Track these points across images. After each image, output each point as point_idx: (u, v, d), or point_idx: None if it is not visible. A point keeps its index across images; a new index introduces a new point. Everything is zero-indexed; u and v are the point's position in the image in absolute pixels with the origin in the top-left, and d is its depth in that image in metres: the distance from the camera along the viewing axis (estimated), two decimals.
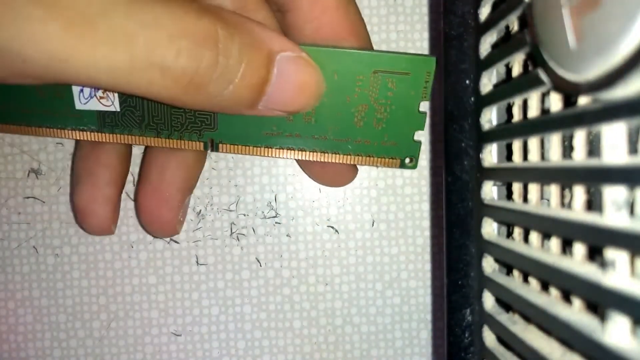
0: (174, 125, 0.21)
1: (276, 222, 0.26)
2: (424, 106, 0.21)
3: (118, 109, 0.20)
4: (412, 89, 0.20)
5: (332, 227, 0.27)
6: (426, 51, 0.26)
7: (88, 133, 0.21)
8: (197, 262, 0.26)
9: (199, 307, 0.27)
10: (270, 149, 0.21)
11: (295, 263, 0.27)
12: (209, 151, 0.22)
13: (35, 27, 0.15)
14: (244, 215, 0.26)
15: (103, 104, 0.20)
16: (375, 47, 0.26)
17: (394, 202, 0.26)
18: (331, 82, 0.20)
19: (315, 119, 0.21)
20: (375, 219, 0.26)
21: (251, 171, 0.26)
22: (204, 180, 0.26)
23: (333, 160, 0.22)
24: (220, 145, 0.21)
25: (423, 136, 0.21)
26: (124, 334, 0.27)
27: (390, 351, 0.27)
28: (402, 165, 0.22)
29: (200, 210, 0.26)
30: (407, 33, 0.26)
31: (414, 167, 0.22)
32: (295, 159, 0.22)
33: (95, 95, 0.20)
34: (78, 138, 0.21)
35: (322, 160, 0.22)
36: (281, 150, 0.21)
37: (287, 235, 0.26)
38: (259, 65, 0.18)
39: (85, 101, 0.20)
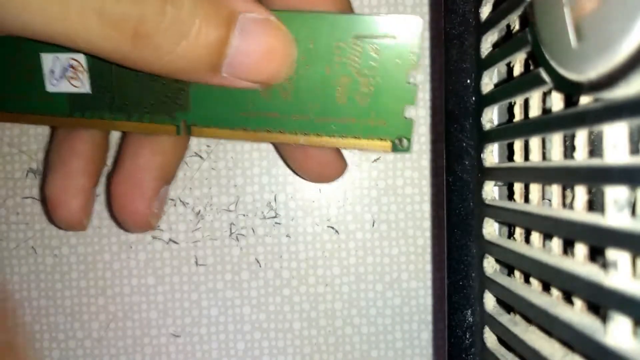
0: (144, 107, 0.20)
1: (276, 223, 0.26)
2: (413, 77, 0.19)
3: (89, 90, 0.20)
4: (399, 56, 0.18)
5: (332, 228, 0.26)
6: (427, 51, 0.26)
7: (58, 118, 0.20)
8: (196, 262, 0.26)
9: (198, 307, 0.27)
10: (247, 132, 0.20)
11: (295, 264, 0.27)
12: (188, 137, 0.20)
13: None
14: (244, 215, 0.26)
15: (74, 85, 0.20)
16: None
17: (394, 202, 0.26)
18: (307, 52, 0.18)
19: (293, 94, 0.19)
20: (376, 220, 0.26)
21: (250, 171, 0.26)
22: (203, 181, 0.26)
23: (316, 144, 0.19)
24: (193, 128, 0.20)
25: (415, 113, 0.19)
26: (123, 334, 0.27)
27: (391, 352, 0.27)
28: (395, 148, 0.19)
29: (199, 211, 0.26)
30: None
31: (408, 149, 0.19)
32: (274, 143, 0.20)
33: (65, 75, 0.19)
34: (48, 123, 0.20)
35: (304, 143, 0.20)
36: (259, 133, 0.19)
37: (286, 236, 0.26)
38: (217, 23, 0.16)
39: (56, 82, 0.20)
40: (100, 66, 0.19)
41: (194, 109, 0.20)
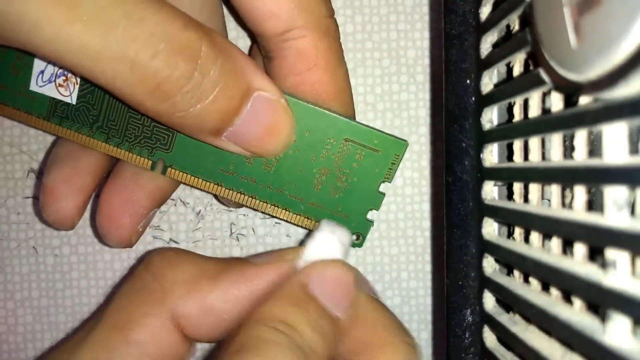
0: (127, 135, 0.20)
1: (276, 222, 0.26)
2: (385, 187, 0.21)
3: (74, 102, 0.20)
4: (378, 167, 0.20)
5: None
6: (427, 51, 0.26)
7: (34, 118, 0.20)
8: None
9: None
10: (220, 187, 0.21)
11: None
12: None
13: None
14: (244, 215, 0.26)
15: (60, 93, 0.20)
16: (375, 47, 0.26)
17: (394, 202, 0.26)
18: (301, 138, 0.20)
19: (275, 169, 0.20)
20: (376, 219, 0.26)
21: None
22: None
23: (281, 217, 0.21)
24: (169, 169, 0.20)
25: (376, 217, 0.21)
26: None
27: None
28: None
29: (199, 211, 0.26)
30: (408, 32, 0.26)
31: (360, 245, 0.22)
32: (243, 203, 0.21)
33: (55, 80, 0.19)
34: (22, 120, 0.20)
35: (270, 213, 0.21)
36: (231, 192, 0.21)
37: (287, 236, 0.26)
38: (234, 95, 0.17)
39: (42, 84, 0.19)
40: (94, 84, 0.19)
41: (175, 152, 0.20)
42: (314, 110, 0.20)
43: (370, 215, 0.21)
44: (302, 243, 0.22)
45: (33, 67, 0.19)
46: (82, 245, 0.26)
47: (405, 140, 0.20)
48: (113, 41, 0.15)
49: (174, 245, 0.26)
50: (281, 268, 0.19)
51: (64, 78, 0.19)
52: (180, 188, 0.26)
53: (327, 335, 0.17)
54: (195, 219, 0.26)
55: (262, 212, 0.21)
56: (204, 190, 0.21)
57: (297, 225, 0.22)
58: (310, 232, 0.20)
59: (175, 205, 0.26)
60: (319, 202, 0.21)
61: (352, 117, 0.21)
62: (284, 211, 0.21)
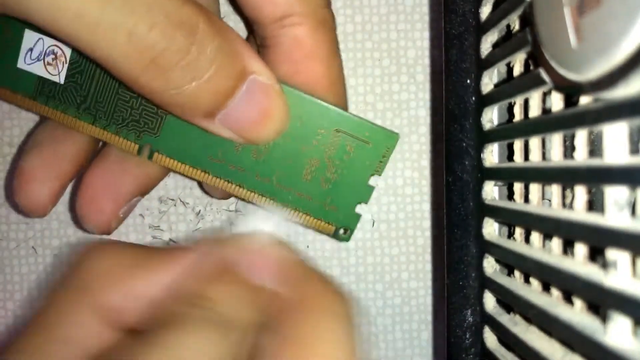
0: (114, 118, 0.19)
1: None
2: (374, 180, 0.20)
3: (61, 81, 0.19)
4: (368, 159, 0.20)
5: None
6: (427, 51, 0.26)
7: (19, 97, 0.19)
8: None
9: None
10: (207, 175, 0.20)
11: None
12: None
13: None
14: (244, 215, 0.26)
15: (48, 71, 0.19)
16: (375, 47, 0.26)
17: (394, 202, 0.26)
18: (293, 127, 0.19)
19: (264, 158, 0.20)
20: (376, 219, 0.26)
21: None
22: None
23: (268, 207, 0.21)
24: (155, 154, 0.20)
25: (365, 210, 0.21)
26: None
27: (391, 352, 0.27)
28: (335, 235, 0.21)
29: (199, 211, 0.26)
30: (408, 32, 0.26)
31: (347, 239, 0.21)
32: (230, 192, 0.21)
33: (44, 59, 0.19)
34: (7, 99, 0.19)
35: (257, 202, 0.21)
36: (217, 179, 0.20)
37: (287, 236, 0.26)
38: (229, 75, 0.17)
39: (30, 62, 0.19)
40: (84, 64, 0.19)
41: (163, 137, 0.20)
42: (306, 99, 0.19)
43: (359, 208, 0.21)
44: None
45: (22, 44, 0.19)
46: (82, 246, 0.26)
47: (396, 133, 0.20)
48: (111, 11, 0.15)
49: (173, 245, 0.26)
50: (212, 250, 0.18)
51: (53, 56, 0.19)
52: (180, 188, 0.26)
53: (250, 304, 0.16)
54: (195, 219, 0.26)
55: (249, 202, 0.21)
56: (190, 178, 0.21)
57: (286, 218, 0.21)
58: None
59: (175, 205, 0.26)
60: (308, 193, 0.20)
61: (345, 108, 0.21)
62: (270, 201, 0.21)
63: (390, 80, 0.26)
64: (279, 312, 0.17)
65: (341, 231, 0.21)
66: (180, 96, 0.17)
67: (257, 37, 0.21)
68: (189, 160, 0.20)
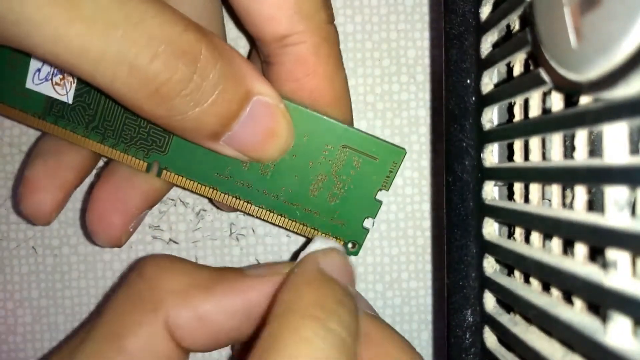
0: (123, 136, 0.20)
1: None
2: (382, 195, 0.21)
3: (69, 101, 0.19)
4: (375, 174, 0.20)
5: None
6: (427, 51, 0.26)
7: (29, 116, 0.20)
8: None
9: None
10: (215, 191, 0.21)
11: None
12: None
13: None
14: (244, 215, 0.26)
15: (56, 91, 0.19)
16: (375, 47, 0.26)
17: (394, 202, 0.26)
18: (299, 144, 0.20)
19: (271, 174, 0.20)
20: (376, 219, 0.26)
21: None
22: None
23: (277, 223, 0.21)
24: (164, 171, 0.20)
25: (373, 224, 0.21)
26: None
27: None
28: (344, 249, 0.21)
29: (199, 211, 0.26)
30: (408, 32, 0.26)
31: (356, 253, 0.22)
32: (238, 208, 0.21)
33: (51, 79, 0.19)
34: (17, 118, 0.20)
35: (266, 219, 0.21)
36: (226, 196, 0.21)
37: (287, 236, 0.26)
38: (233, 98, 0.17)
39: (38, 82, 0.19)
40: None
41: (171, 155, 0.20)
42: (312, 115, 0.19)
43: (367, 223, 0.21)
44: (297, 253, 0.22)
45: (29, 65, 0.19)
46: (82, 246, 0.26)
47: (403, 149, 0.20)
48: (113, 43, 0.15)
49: (174, 245, 0.26)
50: (276, 281, 0.19)
51: (61, 77, 0.19)
52: (180, 188, 0.26)
53: (356, 316, 0.16)
54: (195, 219, 0.26)
55: (258, 218, 0.21)
56: (199, 194, 0.21)
57: (293, 232, 0.21)
58: (306, 243, 0.20)
59: (175, 205, 0.26)
60: (315, 209, 0.21)
61: (350, 123, 0.21)
62: (279, 217, 0.21)
63: (390, 80, 0.26)
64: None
65: (349, 245, 0.22)
66: (184, 121, 0.17)
67: (260, 53, 0.21)
68: (197, 177, 0.20)
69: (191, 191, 0.21)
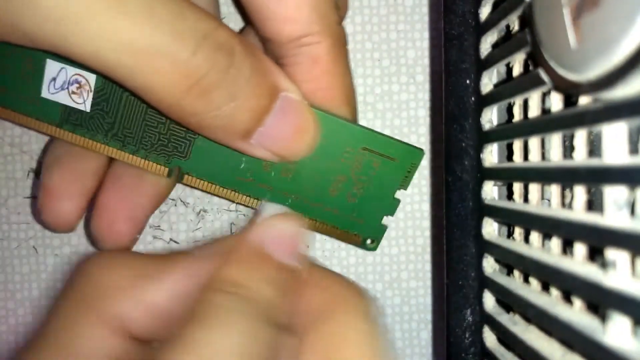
0: (143, 143, 0.20)
1: None
2: (400, 194, 0.21)
3: (87, 109, 0.19)
4: (394, 175, 0.21)
5: None
6: (427, 51, 0.26)
7: (46, 125, 0.20)
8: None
9: None
10: (236, 194, 0.21)
11: None
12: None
13: None
14: (244, 215, 0.26)
15: (73, 100, 0.19)
16: (375, 47, 0.26)
17: None
18: (320, 146, 0.20)
19: (293, 176, 0.20)
20: None
21: None
22: None
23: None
24: (186, 176, 0.20)
25: (392, 222, 0.22)
26: None
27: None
28: (363, 245, 0.22)
29: (200, 211, 0.26)
30: (408, 32, 0.26)
31: (374, 249, 0.22)
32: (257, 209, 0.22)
33: (68, 88, 0.19)
34: (33, 127, 0.20)
35: None
36: (248, 198, 0.21)
37: None
38: (264, 93, 0.18)
39: (54, 91, 0.19)
40: (110, 91, 0.19)
41: (193, 159, 0.20)
42: (333, 119, 0.20)
43: (385, 220, 0.22)
44: None
45: (44, 74, 0.19)
46: (83, 245, 0.26)
47: (421, 149, 0.21)
48: (157, 37, 0.15)
49: (174, 245, 0.26)
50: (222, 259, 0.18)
51: (77, 85, 0.19)
52: (180, 188, 0.26)
53: (286, 288, 0.16)
54: (195, 218, 0.26)
55: None
56: (220, 196, 0.21)
57: (315, 231, 0.21)
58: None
59: (175, 205, 0.26)
60: (335, 207, 0.21)
61: (355, 119, 0.21)
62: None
63: (390, 81, 0.26)
64: (308, 315, 0.16)
65: (368, 241, 0.22)
66: (219, 118, 0.17)
67: (271, 54, 0.21)
68: (218, 181, 0.21)
69: (212, 194, 0.21)
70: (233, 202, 0.21)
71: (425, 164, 0.26)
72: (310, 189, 0.21)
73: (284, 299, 0.16)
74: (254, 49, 0.18)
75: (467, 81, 0.19)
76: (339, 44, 0.20)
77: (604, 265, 0.12)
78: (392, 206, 0.21)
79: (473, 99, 0.19)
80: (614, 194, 0.12)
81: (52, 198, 0.20)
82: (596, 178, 0.12)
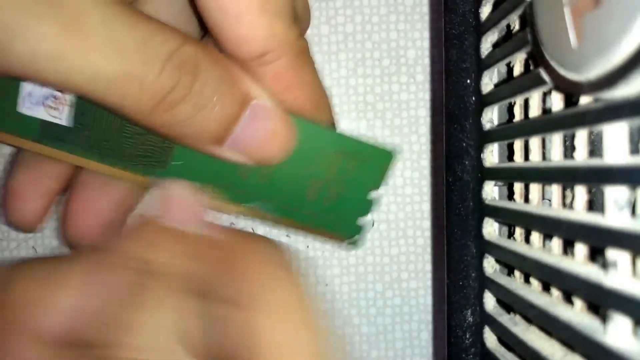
0: (121, 155, 0.20)
1: None
2: (374, 195, 0.22)
3: (65, 124, 0.19)
4: (367, 176, 0.21)
5: None
6: (427, 51, 0.26)
7: (24, 140, 0.20)
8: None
9: None
10: (215, 199, 0.21)
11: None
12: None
13: (31, 22, 0.15)
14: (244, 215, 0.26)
15: (50, 115, 0.19)
16: (375, 47, 0.26)
17: (394, 202, 0.26)
18: (295, 151, 0.20)
19: (269, 180, 0.21)
20: (376, 219, 0.26)
21: None
22: None
23: (278, 222, 0.22)
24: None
25: (366, 222, 0.22)
26: None
27: (391, 352, 0.27)
28: (343, 244, 0.22)
29: None
30: (408, 32, 0.26)
31: (355, 248, 0.23)
32: (237, 213, 0.22)
33: (44, 103, 0.19)
34: (13, 143, 0.20)
35: (263, 220, 0.22)
36: (226, 203, 0.21)
37: (287, 236, 0.26)
38: (232, 102, 0.18)
39: (30, 106, 0.19)
40: (87, 105, 0.19)
41: (170, 169, 0.21)
42: (306, 124, 0.20)
43: (361, 221, 0.22)
44: (296, 251, 0.22)
45: (20, 89, 0.19)
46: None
47: (393, 150, 0.21)
48: (125, 66, 0.16)
49: None
50: None
51: (54, 99, 0.19)
52: None
53: (199, 256, 0.17)
54: None
55: (258, 220, 0.22)
56: None
57: (293, 232, 0.22)
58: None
59: None
60: (312, 210, 0.22)
61: (333, 125, 0.22)
62: (279, 219, 0.22)
63: (390, 80, 0.26)
64: (216, 262, 0.17)
65: (346, 241, 0.22)
66: (189, 127, 0.18)
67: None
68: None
69: None
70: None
71: (425, 164, 0.26)
72: (288, 193, 0.21)
73: (201, 267, 0.16)
74: (222, 60, 0.18)
75: (468, 81, 0.19)
76: (301, 56, 0.20)
77: (604, 265, 0.12)
78: (366, 207, 0.22)
79: (473, 98, 0.19)
80: (615, 194, 0.12)
81: (17, 199, 0.21)
82: (597, 178, 0.12)
